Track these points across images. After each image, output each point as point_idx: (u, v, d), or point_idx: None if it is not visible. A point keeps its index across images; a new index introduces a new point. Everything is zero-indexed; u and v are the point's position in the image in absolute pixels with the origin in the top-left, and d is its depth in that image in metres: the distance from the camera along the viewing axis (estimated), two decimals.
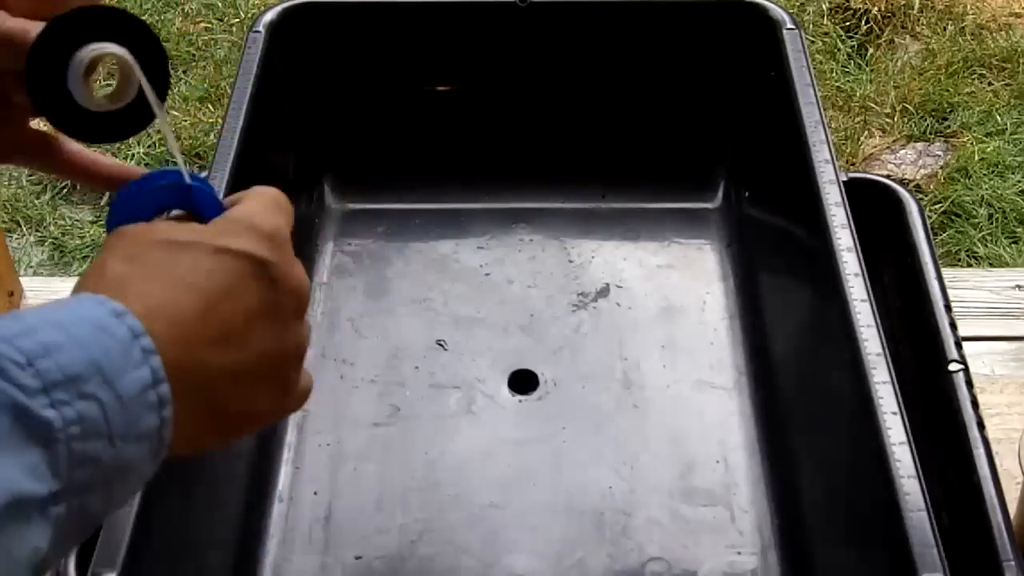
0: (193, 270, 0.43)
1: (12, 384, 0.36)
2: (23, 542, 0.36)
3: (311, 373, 0.49)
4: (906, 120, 2.14)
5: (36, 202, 2.02)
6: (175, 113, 2.21)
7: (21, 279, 1.01)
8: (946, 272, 0.82)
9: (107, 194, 1.92)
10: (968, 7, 2.38)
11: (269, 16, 0.95)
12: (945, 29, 2.32)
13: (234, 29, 2.42)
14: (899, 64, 2.25)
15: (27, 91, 0.47)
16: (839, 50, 2.28)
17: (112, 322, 0.39)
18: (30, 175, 2.10)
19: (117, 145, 2.15)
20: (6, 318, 0.39)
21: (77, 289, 0.43)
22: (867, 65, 2.26)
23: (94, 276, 0.44)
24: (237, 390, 0.44)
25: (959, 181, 2.01)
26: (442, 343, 0.90)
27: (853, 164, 2.05)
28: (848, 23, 2.34)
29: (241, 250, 0.44)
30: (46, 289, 1.03)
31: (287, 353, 0.46)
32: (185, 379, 0.41)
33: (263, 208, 0.46)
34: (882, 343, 0.70)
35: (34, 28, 0.47)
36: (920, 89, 2.18)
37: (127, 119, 0.48)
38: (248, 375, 0.44)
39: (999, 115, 2.12)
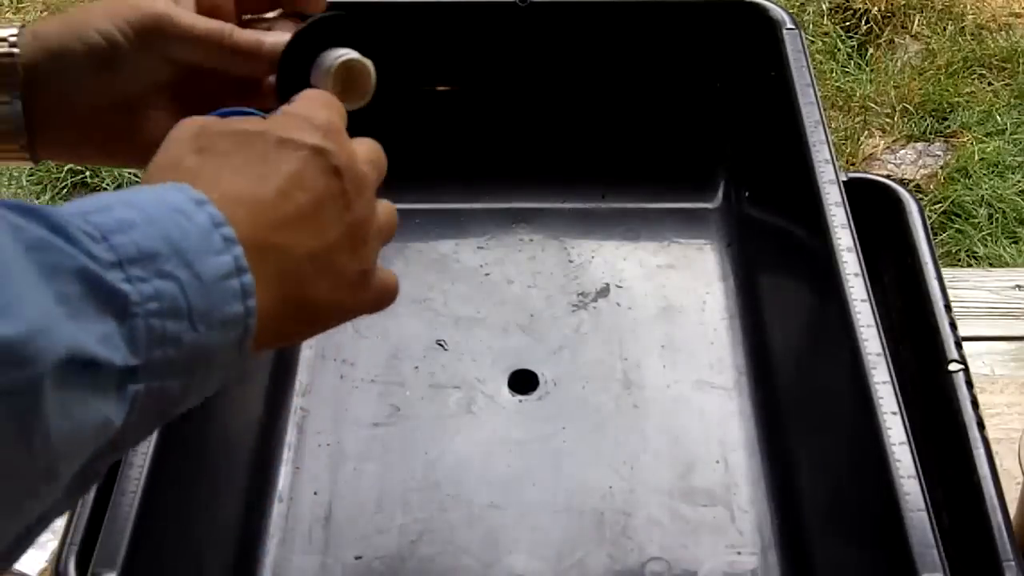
0: (263, 159, 0.44)
1: (85, 254, 0.36)
2: (88, 407, 0.35)
3: (394, 274, 0.51)
4: (906, 120, 2.14)
5: (36, 202, 2.03)
6: None
7: None
8: (946, 272, 0.82)
9: None
10: (968, 7, 2.38)
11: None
12: (945, 29, 2.32)
13: None
14: (899, 64, 2.25)
15: (276, 92, 0.53)
16: (839, 50, 2.28)
17: (192, 208, 0.40)
18: (30, 175, 2.10)
19: None
20: (83, 198, 0.39)
21: (148, 179, 0.44)
22: (867, 65, 2.26)
23: (166, 166, 0.44)
24: (317, 275, 0.45)
25: (959, 181, 2.01)
26: (442, 343, 0.90)
27: (853, 164, 2.05)
28: (848, 23, 2.34)
29: (302, 140, 0.45)
30: None
31: (359, 233, 0.47)
32: (267, 267, 0.42)
33: (315, 105, 0.48)
34: (882, 343, 0.70)
35: (265, 36, 0.53)
36: (920, 89, 2.18)
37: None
38: (324, 258, 0.45)
39: (999, 115, 2.12)
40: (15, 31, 0.52)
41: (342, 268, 0.46)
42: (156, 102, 0.55)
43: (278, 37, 0.54)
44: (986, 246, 1.90)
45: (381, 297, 0.50)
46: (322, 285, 0.45)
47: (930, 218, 1.91)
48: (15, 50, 0.52)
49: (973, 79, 2.22)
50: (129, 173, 2.07)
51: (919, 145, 2.11)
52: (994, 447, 0.70)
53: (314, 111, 0.48)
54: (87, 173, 2.08)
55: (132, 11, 0.52)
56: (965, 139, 2.09)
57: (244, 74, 0.55)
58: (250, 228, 0.41)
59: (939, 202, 1.97)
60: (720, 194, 1.02)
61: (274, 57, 0.54)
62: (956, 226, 1.94)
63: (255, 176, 0.44)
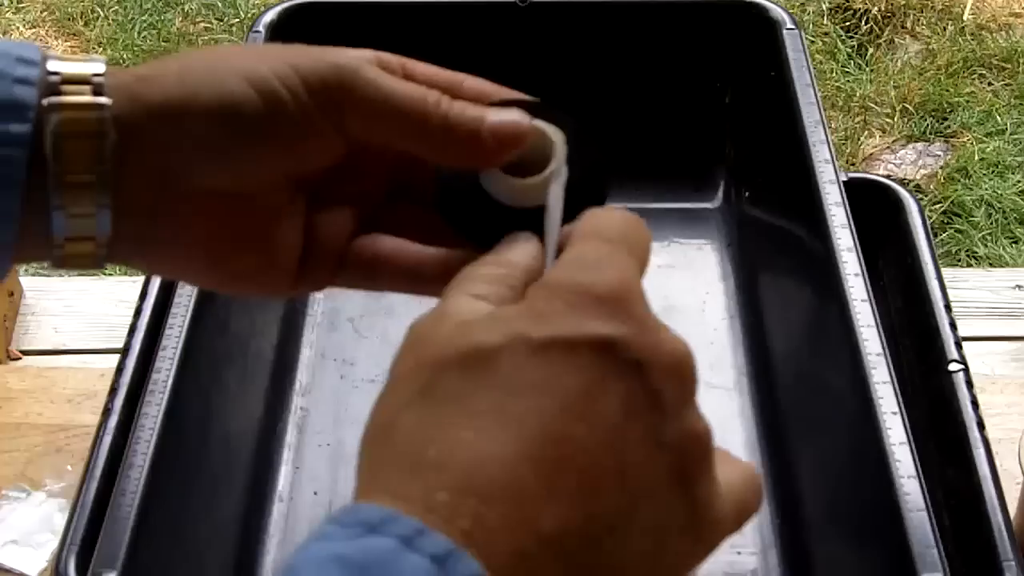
0: (512, 393, 0.29)
1: None
2: None
3: (744, 464, 0.34)
4: (906, 120, 2.14)
5: None
6: None
7: (21, 279, 1.01)
8: (946, 272, 0.82)
9: None
10: (968, 7, 2.38)
11: (269, 16, 0.95)
12: (945, 29, 2.32)
13: (234, 29, 2.42)
14: (899, 64, 2.25)
15: (435, 201, 0.38)
16: (839, 50, 2.28)
17: (397, 554, 0.27)
18: None
19: None
20: None
21: (362, 465, 0.30)
22: (867, 65, 2.26)
23: (380, 437, 0.31)
24: (621, 544, 0.29)
25: (959, 181, 2.01)
26: None
27: (853, 164, 2.05)
28: (848, 23, 2.34)
29: (574, 336, 0.30)
30: (46, 289, 1.03)
31: (687, 460, 0.31)
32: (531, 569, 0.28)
33: (594, 252, 0.32)
34: (882, 343, 0.70)
35: (487, 113, 0.38)
36: (920, 89, 2.18)
37: (531, 221, 0.36)
38: (633, 517, 0.29)
39: (999, 115, 2.12)
40: (100, 68, 0.36)
41: (663, 524, 0.30)
42: (293, 200, 0.38)
43: (504, 116, 0.38)
44: (986, 246, 1.90)
45: (737, 518, 0.32)
46: (634, 552, 0.29)
47: (930, 218, 1.91)
48: (103, 100, 0.35)
49: (973, 79, 2.22)
50: None
51: (919, 145, 2.11)
52: (994, 447, 0.69)
53: (592, 268, 0.31)
54: None
55: (311, 61, 0.36)
56: (965, 139, 2.09)
57: (448, 162, 0.38)
58: (504, 537, 0.27)
59: (939, 202, 1.97)
60: (720, 194, 1.02)
61: (500, 142, 0.37)
62: (956, 226, 1.94)
63: (499, 433, 0.28)
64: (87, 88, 0.35)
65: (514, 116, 0.38)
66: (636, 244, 0.33)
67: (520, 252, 0.35)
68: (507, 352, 0.30)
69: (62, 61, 0.35)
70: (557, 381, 0.29)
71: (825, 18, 2.34)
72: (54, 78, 0.35)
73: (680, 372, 0.31)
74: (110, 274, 1.87)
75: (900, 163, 2.08)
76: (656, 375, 0.30)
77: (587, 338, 0.30)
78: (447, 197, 0.38)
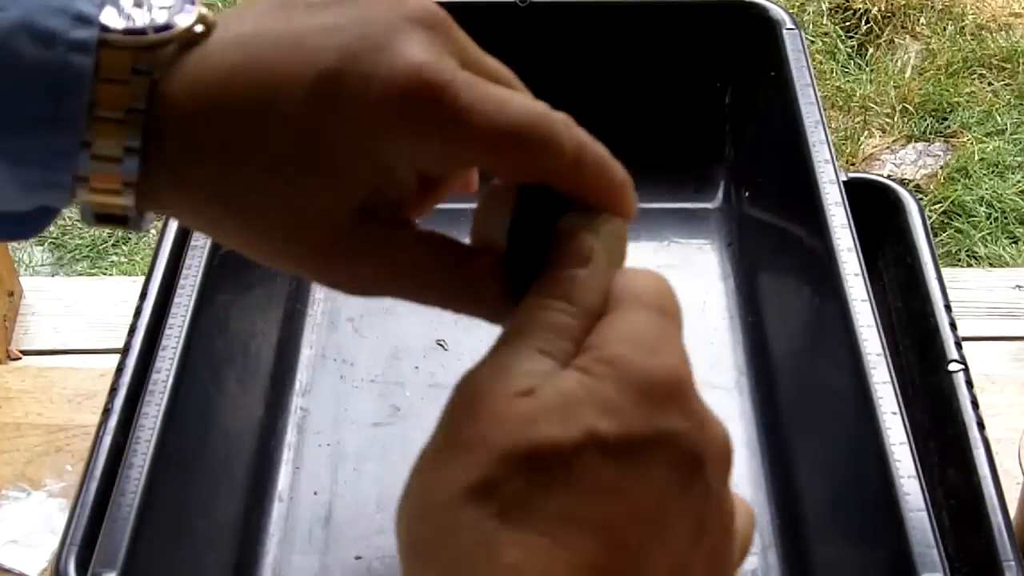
0: (584, 505, 0.28)
1: None
2: None
3: (745, 505, 0.35)
4: (906, 120, 2.14)
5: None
6: None
7: (21, 279, 1.01)
8: (946, 272, 0.82)
9: None
10: (968, 7, 2.39)
11: None
12: (945, 29, 2.32)
13: None
14: (899, 64, 2.26)
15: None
16: (839, 50, 2.28)
17: None
18: None
19: None
20: None
21: None
22: (867, 65, 2.26)
23: (440, 547, 0.29)
24: None
25: (959, 181, 2.01)
26: (442, 343, 0.90)
27: (853, 164, 2.05)
28: (848, 23, 2.34)
29: (646, 435, 0.29)
30: (46, 289, 1.03)
31: (724, 534, 0.32)
32: None
33: (647, 326, 0.32)
34: (882, 343, 0.70)
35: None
36: (920, 89, 2.18)
37: None
38: None
39: (999, 115, 2.13)
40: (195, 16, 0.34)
41: None
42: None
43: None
44: (986, 246, 1.90)
45: (740, 560, 0.34)
46: None
47: (930, 218, 1.91)
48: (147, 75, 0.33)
49: (973, 79, 2.22)
50: None
51: (919, 145, 2.11)
52: (994, 447, 0.70)
53: (639, 355, 0.31)
54: None
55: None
56: (965, 139, 2.09)
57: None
58: None
59: (939, 202, 1.97)
60: (720, 194, 1.02)
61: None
62: (956, 226, 1.94)
63: (573, 539, 0.28)
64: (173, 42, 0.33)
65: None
66: (676, 313, 0.34)
67: (585, 294, 0.34)
68: (580, 453, 0.29)
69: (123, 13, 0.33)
70: (630, 485, 0.29)
71: (825, 18, 2.34)
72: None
73: (727, 460, 0.32)
74: (109, 274, 1.87)
75: (900, 163, 2.08)
76: (711, 467, 0.31)
77: (657, 435, 0.29)
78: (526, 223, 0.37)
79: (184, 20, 0.33)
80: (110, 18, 0.33)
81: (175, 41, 0.33)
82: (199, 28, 0.33)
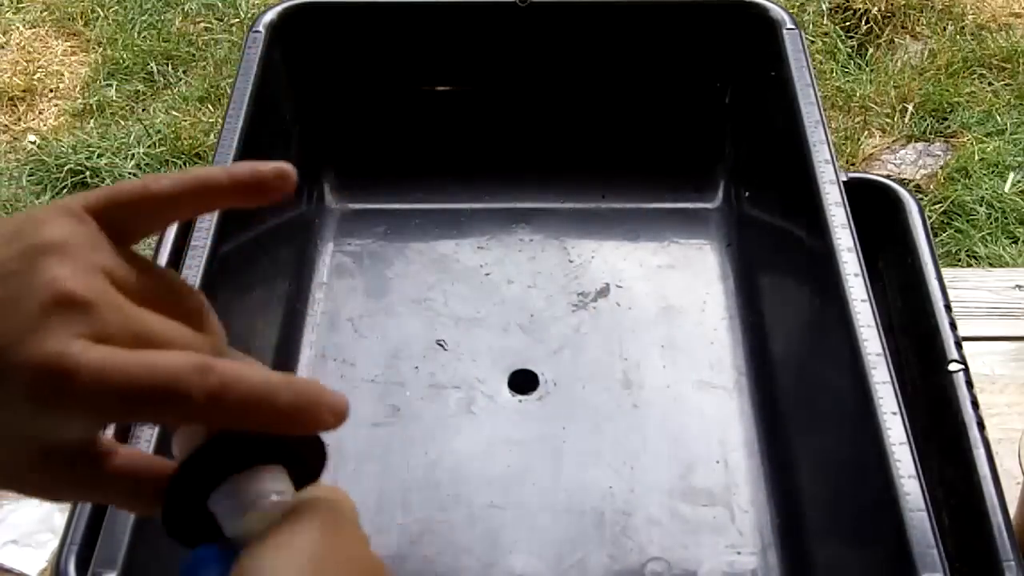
0: None
1: None
2: None
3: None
4: (906, 120, 2.14)
5: (36, 202, 2.03)
6: (175, 113, 2.21)
7: None
8: (946, 272, 0.82)
9: None
10: (968, 7, 2.39)
11: (269, 16, 0.95)
12: (945, 29, 2.33)
13: (234, 29, 2.42)
14: (899, 64, 2.26)
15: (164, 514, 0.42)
16: (839, 50, 2.28)
17: None
18: (30, 175, 2.10)
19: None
20: None
21: None
22: (867, 65, 2.26)
23: None
24: None
25: (959, 181, 2.01)
26: (442, 343, 0.90)
27: (853, 164, 2.05)
28: (848, 23, 2.34)
29: None
30: None
31: None
32: None
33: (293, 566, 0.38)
34: (882, 343, 0.70)
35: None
36: (920, 89, 2.18)
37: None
38: None
39: (999, 115, 2.13)
40: None
41: None
42: None
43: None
44: (986, 246, 1.90)
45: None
46: None
47: (930, 218, 1.91)
48: None
49: (973, 79, 2.22)
50: (129, 173, 2.07)
51: (919, 145, 2.11)
52: (994, 447, 0.70)
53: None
54: (87, 173, 2.07)
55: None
56: (965, 139, 2.09)
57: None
58: None
59: (939, 202, 1.97)
60: (720, 194, 1.02)
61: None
62: (956, 226, 1.94)
63: None
64: None
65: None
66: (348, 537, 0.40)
67: None
68: None
69: None
70: None
71: (825, 18, 2.34)
72: None
73: None
74: None
75: (900, 163, 2.08)
76: None
77: None
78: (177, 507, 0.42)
79: None
80: None
81: None
82: None
